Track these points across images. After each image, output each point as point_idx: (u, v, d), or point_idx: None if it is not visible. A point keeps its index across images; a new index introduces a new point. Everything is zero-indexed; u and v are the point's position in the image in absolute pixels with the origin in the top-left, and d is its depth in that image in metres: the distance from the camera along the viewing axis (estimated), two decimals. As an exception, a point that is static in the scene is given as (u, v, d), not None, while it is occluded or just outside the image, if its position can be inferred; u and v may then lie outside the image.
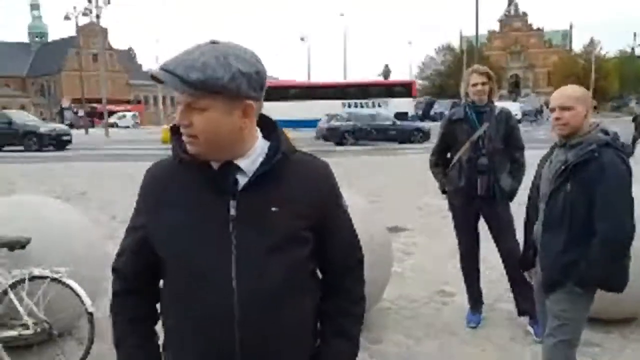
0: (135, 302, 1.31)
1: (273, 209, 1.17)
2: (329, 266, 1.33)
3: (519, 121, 4.30)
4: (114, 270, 1.34)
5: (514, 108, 27.37)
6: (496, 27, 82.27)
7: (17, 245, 3.13)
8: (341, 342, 1.31)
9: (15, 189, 10.14)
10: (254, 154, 1.20)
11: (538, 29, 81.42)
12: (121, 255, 1.33)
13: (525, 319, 3.60)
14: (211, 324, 1.16)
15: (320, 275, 1.35)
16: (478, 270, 3.81)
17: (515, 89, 73.92)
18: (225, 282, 1.15)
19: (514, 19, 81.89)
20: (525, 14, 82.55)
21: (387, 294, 4.10)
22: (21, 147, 21.15)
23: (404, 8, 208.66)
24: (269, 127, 1.25)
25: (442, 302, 4.23)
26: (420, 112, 38.39)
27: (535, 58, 79.12)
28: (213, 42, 1.13)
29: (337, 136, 22.36)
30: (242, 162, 1.18)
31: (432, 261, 5.31)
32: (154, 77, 1.13)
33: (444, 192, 3.78)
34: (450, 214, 3.82)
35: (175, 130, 1.22)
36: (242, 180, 1.18)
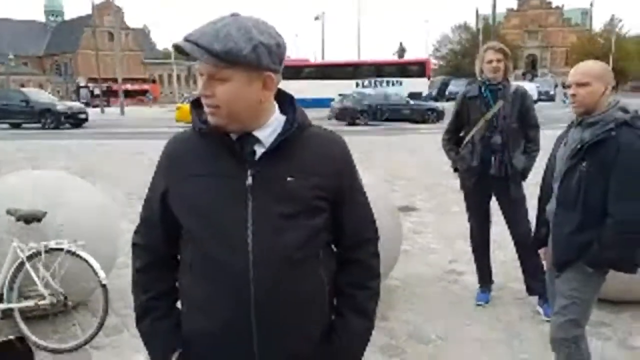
0: (156, 276, 1.34)
1: (288, 178, 1.20)
2: (343, 239, 1.34)
3: (535, 101, 4.21)
4: (134, 245, 1.37)
5: (530, 88, 26.88)
6: (514, 5, 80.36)
7: (33, 218, 3.19)
8: (355, 317, 1.32)
9: (32, 165, 10.31)
10: (271, 126, 1.23)
11: (557, 7, 79.31)
12: (140, 229, 1.37)
13: (534, 299, 3.60)
14: (227, 284, 1.19)
15: (334, 249, 1.36)
16: (488, 249, 3.81)
17: (531, 69, 72.47)
18: (242, 245, 1.18)
19: (532, -4, 79.84)
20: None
21: (396, 272, 4.12)
22: (38, 125, 21.42)
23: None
24: (286, 101, 1.28)
25: (451, 280, 4.24)
26: (434, 92, 37.86)
27: (554, 37, 77.29)
28: (234, 15, 1.16)
29: (349, 116, 22.24)
30: (259, 133, 1.21)
31: (442, 240, 5.31)
32: (177, 49, 1.14)
33: (455, 170, 3.75)
34: (461, 194, 3.80)
35: (195, 103, 1.25)
36: (259, 151, 1.21)
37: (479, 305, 3.71)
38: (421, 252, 4.97)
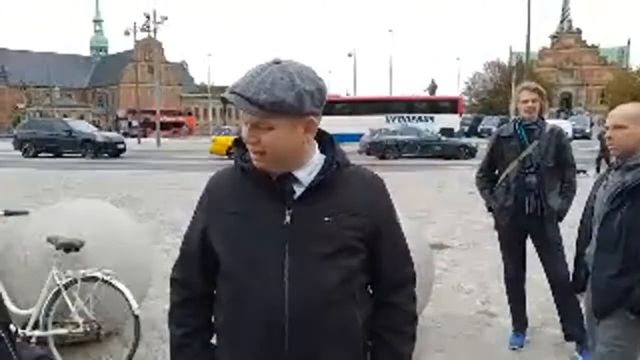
0: (192, 312, 1.35)
1: (326, 219, 1.22)
2: (380, 280, 1.34)
3: (570, 139, 4.15)
4: (172, 280, 1.40)
5: (565, 126, 26.41)
6: (548, 43, 79.99)
7: (71, 247, 3.28)
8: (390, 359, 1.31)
9: (72, 194, 10.66)
10: (310, 166, 1.26)
11: (593, 46, 78.59)
12: (179, 264, 1.39)
13: (572, 345, 3.45)
14: (262, 321, 1.20)
15: (371, 291, 1.36)
16: (523, 292, 3.69)
17: (566, 107, 71.36)
18: (278, 286, 1.19)
19: (566, 36, 79.41)
20: (579, 30, 79.94)
21: (428, 311, 4.03)
22: (79, 154, 22.25)
23: (453, 24, 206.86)
24: (325, 140, 1.31)
25: (484, 322, 4.11)
26: (466, 129, 37.63)
27: (589, 75, 76.31)
28: (276, 62, 1.19)
29: (380, 150, 22.27)
30: (299, 173, 1.24)
31: (476, 280, 5.17)
32: (223, 100, 1.20)
33: (490, 210, 3.70)
34: (496, 233, 3.73)
35: (237, 142, 1.30)
36: (299, 191, 1.24)
37: (513, 349, 3.58)
38: (453, 292, 4.85)
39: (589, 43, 78.87)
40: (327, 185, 1.24)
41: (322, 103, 1.23)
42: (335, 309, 1.22)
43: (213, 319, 1.36)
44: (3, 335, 1.08)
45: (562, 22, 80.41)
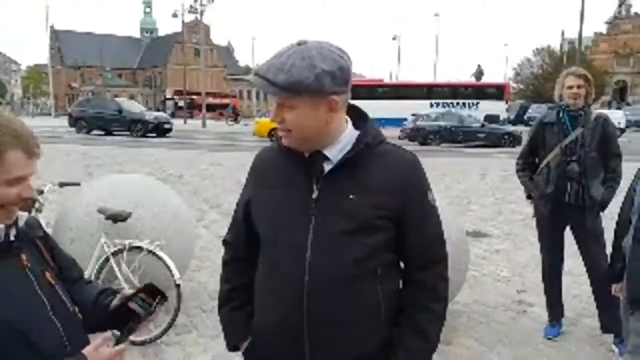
0: (237, 270, 1.49)
1: (351, 196, 1.26)
2: (408, 258, 1.36)
3: (623, 130, 3.97)
4: (224, 242, 1.56)
5: (617, 116, 25.11)
6: (603, 29, 75.94)
7: (119, 218, 3.48)
8: (414, 337, 1.32)
9: (121, 169, 11.12)
10: (341, 143, 1.30)
11: (653, 31, 74.08)
12: (231, 229, 1.54)
13: (609, 337, 3.39)
14: (283, 292, 1.29)
15: (402, 266, 1.39)
16: (560, 281, 3.64)
17: (620, 97, 67.77)
18: (300, 257, 1.27)
19: (624, 21, 75.09)
20: (637, 15, 75.45)
21: (461, 297, 4.04)
22: (128, 132, 23.06)
23: (501, 9, 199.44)
24: (360, 117, 1.36)
25: (519, 310, 4.08)
26: (512, 116, 36.48)
27: (646, 63, 72.06)
28: (300, 44, 1.24)
29: (421, 136, 21.96)
30: (329, 151, 1.29)
31: (513, 269, 5.12)
32: (250, 82, 1.27)
33: (529, 197, 3.65)
34: (535, 222, 3.68)
35: None
36: (328, 167, 1.29)
37: (548, 339, 3.55)
38: (489, 280, 4.82)
39: (649, 29, 74.41)
40: (355, 163, 1.28)
41: (346, 82, 1.25)
42: (353, 284, 1.26)
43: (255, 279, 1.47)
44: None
45: (620, 5, 76.04)
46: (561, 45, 66.07)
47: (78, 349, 1.17)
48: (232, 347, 1.48)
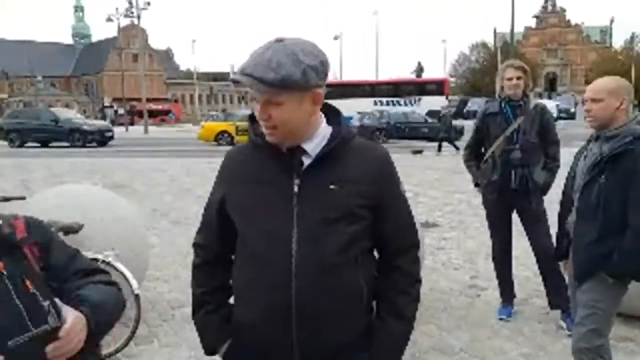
0: (211, 273, 1.49)
1: (332, 187, 1.31)
2: (385, 245, 1.42)
3: (555, 119, 4.26)
4: (194, 245, 1.53)
5: (550, 106, 26.60)
6: (532, 23, 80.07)
7: (71, 230, 3.34)
8: (395, 320, 1.39)
9: (62, 182, 10.61)
10: (318, 138, 1.34)
11: (576, 25, 78.89)
12: (201, 231, 1.53)
13: (558, 313, 3.61)
14: (271, 285, 1.31)
15: (377, 255, 1.45)
16: (510, 264, 3.84)
17: (551, 87, 71.71)
18: (286, 248, 1.30)
19: (551, 15, 79.53)
20: (563, 10, 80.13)
21: (418, 286, 4.17)
22: (67, 143, 22.04)
23: (437, 6, 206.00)
24: (332, 113, 1.41)
25: (473, 295, 4.26)
26: (453, 110, 37.80)
27: (573, 55, 76.73)
28: (279, 41, 1.27)
29: (368, 133, 22.36)
30: (307, 145, 1.33)
31: (464, 256, 5.33)
32: (234, 82, 1.28)
33: (476, 185, 3.82)
34: (483, 210, 3.86)
35: (251, 118, 1.39)
36: (307, 161, 1.33)
37: (501, 319, 3.73)
38: (443, 268, 5.00)
39: (572, 22, 79.16)
40: (333, 156, 1.32)
41: (325, 75, 1.31)
42: (338, 272, 1.31)
43: (231, 280, 1.46)
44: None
45: (546, 1, 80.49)
46: (495, 40, 68.96)
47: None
48: (210, 351, 1.48)
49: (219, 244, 1.46)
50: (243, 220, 1.38)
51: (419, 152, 17.27)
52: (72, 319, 1.16)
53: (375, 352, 1.39)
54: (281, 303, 1.30)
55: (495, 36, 70.90)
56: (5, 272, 1.17)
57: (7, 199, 3.59)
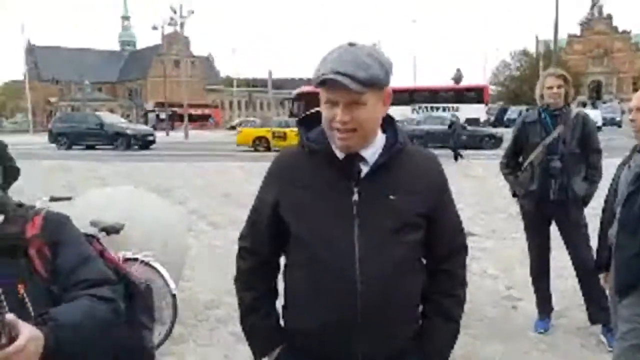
0: (260, 277, 1.47)
1: (391, 196, 1.31)
2: (436, 250, 1.43)
3: (599, 128, 4.11)
4: (241, 248, 1.50)
5: (594, 115, 25.78)
6: (576, 30, 77.65)
7: (112, 230, 3.48)
8: (443, 321, 1.42)
9: (105, 184, 11.00)
10: (375, 145, 1.35)
11: (624, 32, 75.96)
12: (246, 234, 1.49)
13: (598, 328, 3.50)
14: (335, 291, 1.30)
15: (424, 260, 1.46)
16: (548, 275, 3.74)
17: (596, 96, 69.21)
18: (350, 256, 1.29)
19: (597, 22, 76.91)
20: (610, 17, 77.33)
21: (452, 295, 4.11)
22: (110, 147, 22.84)
23: (478, 14, 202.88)
24: (387, 120, 1.39)
25: (509, 306, 4.18)
26: (492, 118, 37.03)
27: (620, 62, 73.85)
28: (352, 44, 1.27)
29: (406, 140, 22.21)
30: (365, 152, 1.33)
31: (500, 266, 5.22)
32: (323, 82, 1.23)
33: (514, 195, 3.75)
34: (520, 219, 3.78)
35: (301, 122, 1.41)
36: (365, 169, 1.33)
37: (539, 333, 3.63)
38: (478, 278, 4.90)
39: (620, 29, 76.31)
40: (390, 164, 1.33)
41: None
42: (402, 279, 1.33)
43: (283, 284, 1.45)
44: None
45: (592, 7, 77.94)
46: (537, 48, 67.32)
47: None
48: (260, 356, 1.47)
49: (268, 248, 1.44)
50: (300, 225, 1.35)
51: (461, 156, 16.92)
52: (24, 339, 1.00)
53: (424, 353, 1.40)
54: (346, 310, 1.29)
55: (537, 43, 69.17)
56: None
57: (54, 199, 3.76)
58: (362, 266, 1.28)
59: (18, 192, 4.44)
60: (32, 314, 1.12)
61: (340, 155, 1.33)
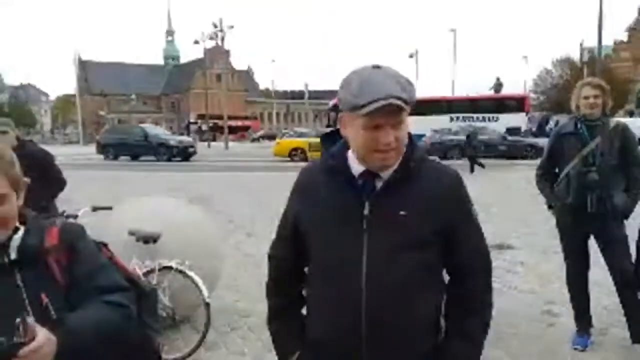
0: (289, 285, 1.54)
1: (402, 212, 1.31)
2: (455, 269, 1.42)
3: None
4: (270, 257, 1.58)
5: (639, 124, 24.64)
6: (623, 36, 74.54)
7: (150, 239, 3.61)
8: (463, 343, 1.37)
9: (147, 194, 11.37)
10: None
11: (677, 38, 72.34)
12: (275, 245, 1.57)
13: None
14: (342, 305, 1.33)
15: (447, 277, 1.45)
16: (586, 291, 3.62)
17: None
18: (356, 271, 1.32)
19: (645, 28, 73.58)
20: (659, 22, 73.88)
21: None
22: (154, 157, 23.60)
23: (519, 22, 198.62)
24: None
25: (546, 322, 4.05)
26: (534, 128, 35.98)
27: (673, 70, 70.26)
28: (377, 67, 1.30)
29: (442, 150, 21.93)
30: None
31: (539, 280, 5.08)
32: (384, 107, 1.23)
33: (549, 207, 3.66)
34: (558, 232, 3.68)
35: (325, 138, 1.46)
36: (378, 185, 1.35)
37: (575, 349, 3.52)
38: (515, 292, 4.80)
39: (672, 34, 72.79)
40: (405, 179, 1.33)
41: None
42: (408, 294, 1.32)
43: (305, 292, 1.53)
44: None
45: (639, 13, 74.82)
46: (581, 55, 65.18)
47: None
48: (281, 358, 1.53)
49: (294, 257, 1.50)
50: (314, 239, 1.41)
51: (482, 165, 16.49)
52: (42, 339, 1.09)
53: None
54: (350, 322, 1.32)
55: (581, 51, 66.94)
56: (21, 284, 1.23)
57: (95, 209, 3.94)
58: (368, 280, 1.30)
59: (65, 201, 4.70)
60: (54, 318, 1.21)
61: (356, 172, 1.36)
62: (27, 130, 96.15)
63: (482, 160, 18.14)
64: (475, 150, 16.70)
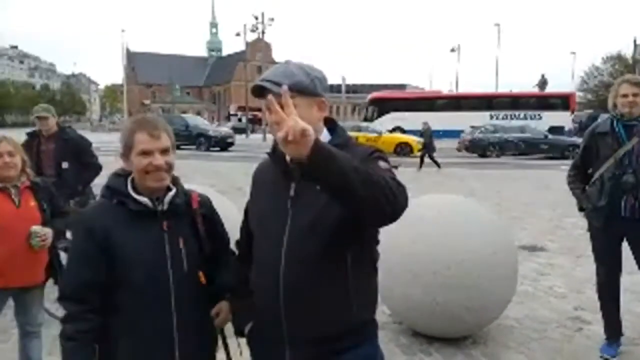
0: (242, 266, 1.73)
1: (318, 188, 1.32)
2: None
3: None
4: (235, 242, 1.84)
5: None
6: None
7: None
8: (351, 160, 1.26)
9: (185, 181, 11.62)
10: None
11: None
12: (240, 230, 1.81)
13: (671, 359, 3.21)
14: (266, 276, 1.51)
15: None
16: (617, 298, 3.48)
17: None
18: (278, 245, 1.48)
19: None
20: None
21: (513, 312, 3.96)
22: (193, 147, 24.12)
23: (566, 17, 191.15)
24: (331, 124, 1.57)
25: (574, 327, 3.93)
26: (579, 127, 34.77)
27: None
28: (288, 61, 1.52)
29: (480, 148, 21.45)
30: None
31: (570, 285, 4.93)
32: (256, 88, 1.46)
33: (580, 209, 3.54)
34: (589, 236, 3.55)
35: None
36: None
37: (603, 358, 3.40)
38: (544, 295, 4.67)
39: None
40: None
41: (326, 89, 1.54)
42: (322, 269, 1.44)
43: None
44: None
45: None
46: (634, 52, 62.21)
47: (183, 302, 1.61)
48: (239, 331, 1.70)
49: (246, 244, 1.72)
50: (253, 222, 1.65)
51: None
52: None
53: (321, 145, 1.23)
54: (272, 298, 1.48)
55: (635, 47, 63.86)
56: (166, 229, 1.64)
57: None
58: (286, 255, 1.46)
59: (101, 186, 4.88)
60: (184, 259, 1.65)
61: (288, 158, 1.46)
62: (77, 117, 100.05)
63: (521, 159, 17.66)
64: (429, 147, 15.69)
